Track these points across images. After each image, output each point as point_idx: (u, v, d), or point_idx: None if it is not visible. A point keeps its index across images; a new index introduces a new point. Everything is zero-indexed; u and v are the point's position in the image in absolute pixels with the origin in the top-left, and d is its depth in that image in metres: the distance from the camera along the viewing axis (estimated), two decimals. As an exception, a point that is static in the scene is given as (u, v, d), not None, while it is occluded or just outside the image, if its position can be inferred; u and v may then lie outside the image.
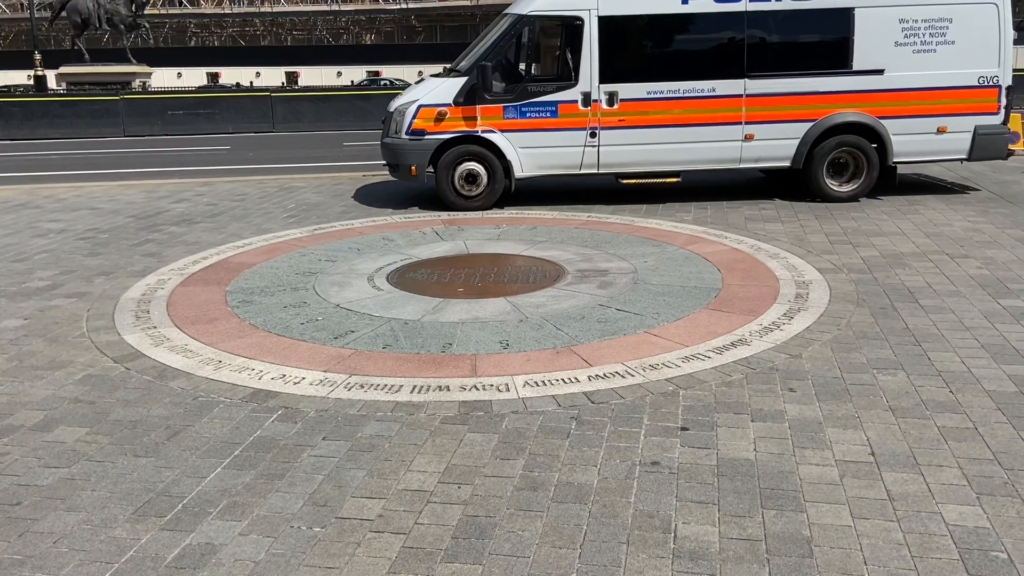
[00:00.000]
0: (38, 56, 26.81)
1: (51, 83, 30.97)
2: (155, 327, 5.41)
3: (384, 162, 9.57)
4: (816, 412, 4.03)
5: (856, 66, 8.84)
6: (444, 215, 8.86)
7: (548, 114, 8.86)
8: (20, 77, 33.13)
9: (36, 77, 24.26)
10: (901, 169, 9.31)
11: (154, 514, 3.25)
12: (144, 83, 31.10)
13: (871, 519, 3.13)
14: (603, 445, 3.75)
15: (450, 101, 8.85)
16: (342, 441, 3.83)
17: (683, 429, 3.89)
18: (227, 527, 3.15)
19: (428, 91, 9.08)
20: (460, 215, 8.85)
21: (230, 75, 57.66)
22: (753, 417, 3.99)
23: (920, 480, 3.40)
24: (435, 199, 9.22)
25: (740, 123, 8.95)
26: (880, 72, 8.85)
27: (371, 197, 10.01)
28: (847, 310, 5.51)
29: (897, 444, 3.70)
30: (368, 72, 57.21)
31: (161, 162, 14.03)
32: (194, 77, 53.28)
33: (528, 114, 8.85)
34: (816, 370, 4.53)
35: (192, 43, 69.49)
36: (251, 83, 50.86)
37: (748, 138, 8.99)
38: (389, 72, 54.68)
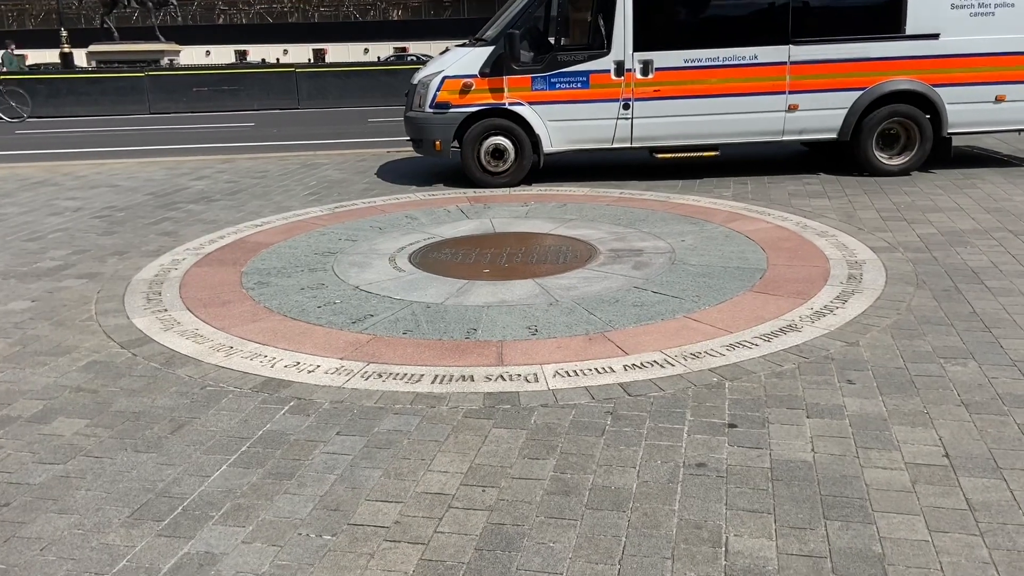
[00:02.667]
0: (64, 33, 26.73)
1: (81, 62, 30.98)
2: (166, 310, 5.14)
3: (408, 137, 9.21)
4: (879, 407, 3.64)
5: (909, 30, 8.28)
6: (470, 192, 8.50)
7: (579, 85, 8.44)
8: (50, 56, 33.15)
9: (63, 55, 24.17)
10: (954, 141, 8.77)
11: (151, 517, 2.96)
12: (172, 60, 31.00)
13: (950, 532, 2.76)
14: (642, 444, 3.39)
15: (476, 72, 8.46)
16: (357, 436, 3.52)
17: (731, 426, 3.52)
18: (229, 534, 2.86)
19: (453, 62, 8.69)
20: (486, 192, 8.48)
21: (258, 52, 57.56)
22: (809, 412, 3.61)
23: (1003, 487, 3.01)
24: (460, 175, 8.86)
25: (784, 92, 8.45)
26: (935, 37, 8.29)
27: (395, 174, 9.68)
28: (906, 292, 5.08)
29: (973, 444, 3.30)
30: (395, 48, 56.82)
31: (185, 139, 13.82)
32: (222, 55, 53.28)
33: (558, 85, 8.43)
34: (876, 359, 4.13)
35: (220, 20, 69.44)
36: (278, 60, 50.66)
37: (792, 108, 8.49)
38: (416, 48, 54.21)
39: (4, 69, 21.61)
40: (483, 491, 3.09)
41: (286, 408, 3.79)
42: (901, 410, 3.61)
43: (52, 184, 9.65)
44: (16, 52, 25.51)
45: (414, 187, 8.84)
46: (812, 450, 3.30)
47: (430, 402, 3.82)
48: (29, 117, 18.33)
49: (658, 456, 3.29)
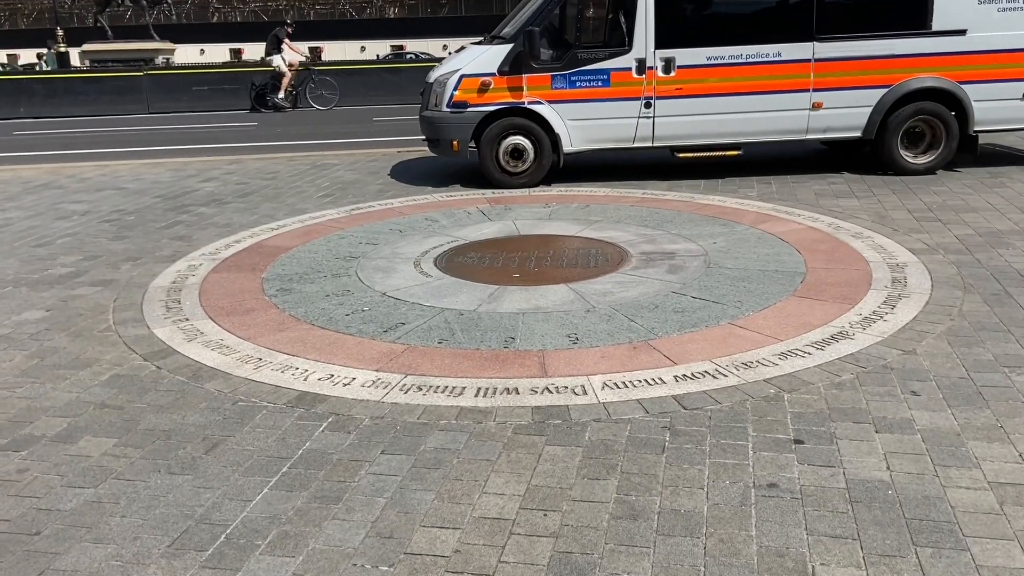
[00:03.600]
0: (60, 32, 26.43)
1: (74, 60, 30.65)
2: (187, 319, 4.94)
3: (423, 137, 9.01)
4: (950, 421, 3.47)
5: (936, 26, 8.11)
6: (488, 193, 8.30)
7: (599, 83, 8.24)
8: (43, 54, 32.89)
9: (59, 54, 23.89)
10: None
11: (193, 547, 2.77)
12: (167, 59, 30.68)
13: (1051, 560, 2.58)
14: (706, 462, 3.21)
15: (494, 70, 8.26)
16: (403, 455, 3.33)
17: (797, 442, 3.34)
18: (279, 565, 2.66)
19: (470, 60, 8.49)
20: (506, 193, 8.29)
21: (253, 51, 57.11)
22: (877, 427, 3.43)
23: (1097, 508, 2.84)
24: (476, 176, 8.67)
25: (808, 90, 8.27)
26: (962, 33, 8.11)
27: (408, 174, 9.48)
28: (955, 297, 4.91)
29: (1057, 461, 3.13)
30: (392, 46, 56.49)
31: (187, 139, 13.59)
32: (217, 53, 52.88)
33: (578, 83, 8.23)
34: (938, 369, 3.96)
35: (215, 19, 69.04)
36: (275, 59, 50.16)
37: (816, 107, 8.31)
38: (413, 46, 53.94)
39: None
40: (545, 515, 2.90)
41: (324, 425, 3.60)
42: (973, 424, 3.44)
43: (57, 187, 9.42)
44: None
45: (430, 188, 8.64)
46: (888, 468, 3.12)
47: (476, 417, 3.63)
48: (29, 117, 18.10)
49: (725, 476, 3.11)
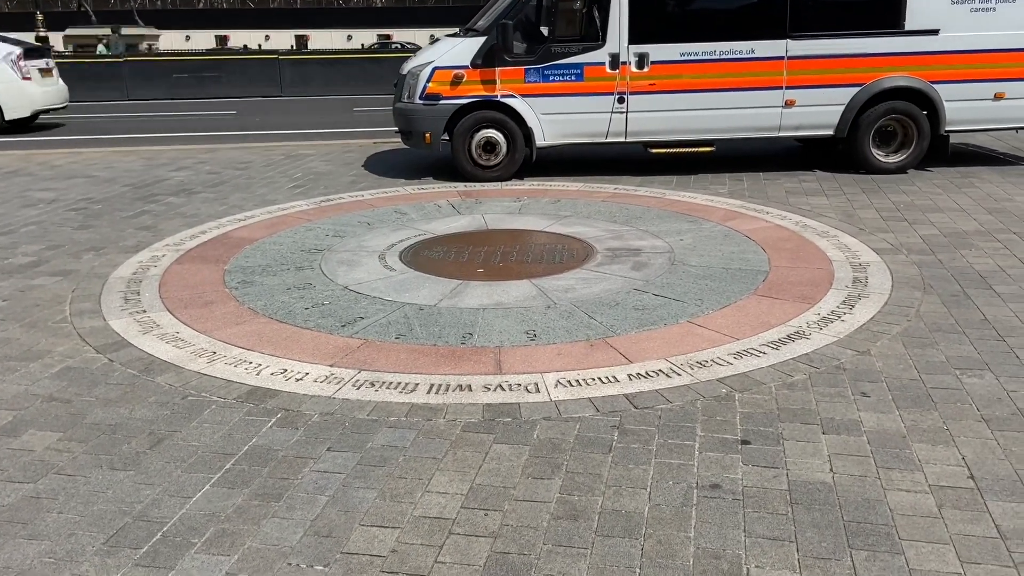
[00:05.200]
0: (40, 16, 26.12)
1: (58, 45, 30.30)
2: (145, 311, 4.89)
3: (396, 129, 8.95)
4: (897, 423, 3.48)
5: (908, 25, 8.13)
6: (460, 186, 8.27)
7: (573, 77, 8.22)
8: (25, 40, 32.57)
9: (38, 39, 23.61)
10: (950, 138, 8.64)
11: (128, 545, 2.74)
12: (151, 45, 30.43)
13: (983, 564, 2.60)
14: (652, 462, 3.21)
15: (467, 63, 8.22)
16: (350, 453, 3.31)
17: (744, 443, 3.35)
18: (213, 563, 2.64)
19: (444, 52, 8.44)
20: (477, 186, 8.26)
21: (239, 38, 56.74)
22: (824, 428, 3.45)
23: (1034, 512, 2.86)
24: (450, 168, 8.63)
25: (781, 88, 8.28)
26: (935, 33, 8.15)
27: (382, 166, 9.43)
28: (914, 298, 4.93)
29: (999, 464, 3.15)
30: (379, 35, 56.24)
31: (164, 127, 13.47)
32: (202, 40, 52.48)
33: (551, 77, 8.21)
34: (890, 370, 3.97)
35: (200, 5, 68.49)
36: (259, 46, 49.99)
37: (789, 104, 8.33)
38: (401, 36, 53.71)
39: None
40: (485, 515, 2.89)
41: (273, 421, 3.57)
42: (920, 426, 3.45)
43: (26, 174, 9.31)
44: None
45: (402, 180, 8.60)
46: (831, 470, 3.14)
47: (426, 414, 3.62)
48: None
49: (669, 476, 3.11)
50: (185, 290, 5.25)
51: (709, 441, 3.36)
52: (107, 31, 30.54)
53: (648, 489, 3.03)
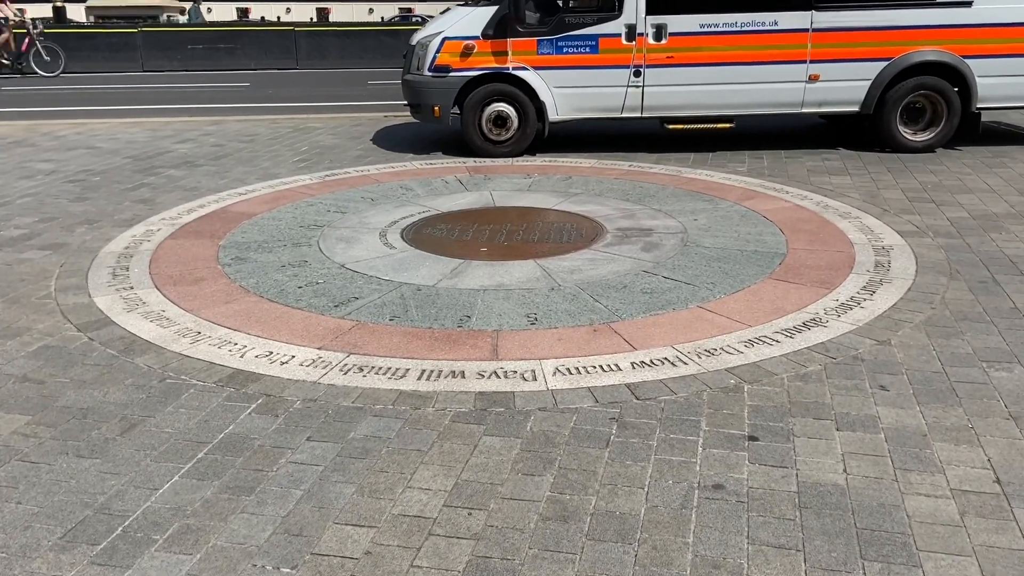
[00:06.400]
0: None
1: (80, 16, 30.21)
2: (132, 288, 4.72)
3: (405, 102, 8.70)
4: (918, 419, 3.24)
5: (940, -3, 7.76)
6: (470, 162, 8.02)
7: (587, 49, 7.92)
8: (43, 10, 32.46)
9: (55, 9, 23.47)
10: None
11: (86, 540, 2.57)
12: (169, 17, 30.25)
13: (1010, 580, 2.37)
14: (651, 459, 2.99)
15: (478, 34, 7.93)
16: (330, 443, 3.12)
17: (751, 439, 3.12)
18: (173, 563, 2.46)
19: (454, 22, 8.16)
20: (487, 162, 8.01)
21: (260, 10, 56.51)
22: (839, 424, 3.21)
23: (1066, 523, 2.62)
24: (460, 143, 8.38)
25: (805, 62, 7.93)
26: (967, 4, 7.75)
27: (391, 140, 9.19)
28: (939, 284, 4.65)
29: (1028, 468, 2.91)
30: (400, 9, 55.75)
31: (175, 98, 13.29)
32: (224, 12, 52.28)
33: (565, 49, 7.91)
34: (911, 362, 3.72)
35: (221, -23, 68.09)
36: (278, 18, 49.71)
37: (813, 79, 7.98)
38: (422, 9, 53.16)
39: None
40: (469, 515, 2.69)
41: (253, 407, 3.39)
42: (942, 423, 3.21)
43: (29, 145, 9.17)
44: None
45: (411, 155, 8.36)
46: (844, 471, 2.90)
47: (415, 402, 3.41)
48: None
49: (670, 475, 2.90)
50: (176, 266, 5.07)
51: (714, 437, 3.14)
52: (126, 2, 30.38)
53: (646, 489, 2.82)
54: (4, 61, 17.57)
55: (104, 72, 18.72)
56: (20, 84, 16.66)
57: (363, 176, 7.44)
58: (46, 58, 17.59)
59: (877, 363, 3.71)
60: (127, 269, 5.02)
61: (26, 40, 17.56)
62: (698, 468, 2.93)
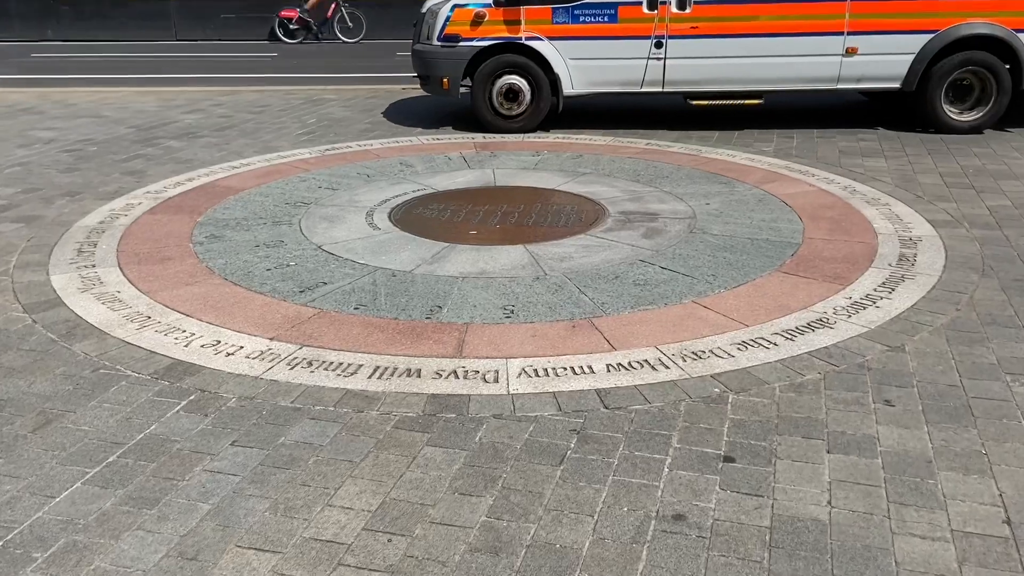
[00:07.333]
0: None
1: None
2: (94, 266, 4.48)
3: (415, 73, 8.32)
4: (924, 442, 2.83)
5: (993, -37, 7.11)
6: (478, 137, 7.64)
7: (606, 18, 7.45)
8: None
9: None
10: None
11: (-37, 554, 2.32)
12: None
13: (1010, 653, 1.98)
14: (608, 480, 2.64)
15: (490, 1, 7.51)
16: (255, 449, 2.82)
17: (727, 460, 2.75)
18: (49, 586, 2.20)
19: (466, -12, 7.74)
20: (497, 138, 7.62)
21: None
22: (830, 445, 2.81)
23: (1087, 580, 2.21)
24: (472, 118, 7.98)
25: (841, 33, 7.35)
26: (1023, -28, 7.11)
27: (403, 114, 8.85)
28: (968, 281, 4.18)
29: (1047, 509, 2.49)
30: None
31: (200, 68, 13.09)
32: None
33: (582, 18, 7.45)
34: (925, 372, 3.29)
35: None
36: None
37: (850, 52, 7.40)
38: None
39: None
40: (389, 541, 2.37)
41: (183, 404, 3.11)
42: (952, 448, 2.79)
43: (37, 112, 9.02)
44: None
45: (419, 129, 8.01)
46: (828, 503, 2.52)
47: (359, 404, 3.10)
48: (57, 40, 17.83)
49: (625, 501, 2.54)
50: (146, 243, 4.82)
51: (684, 456, 2.77)
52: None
53: (595, 517, 2.47)
54: (313, 26, 17.81)
55: (137, 40, 18.65)
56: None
57: (364, 151, 7.11)
58: (349, 24, 17.83)
59: (885, 373, 3.29)
60: (95, 246, 4.78)
61: (332, 6, 17.81)
62: (659, 494, 2.57)
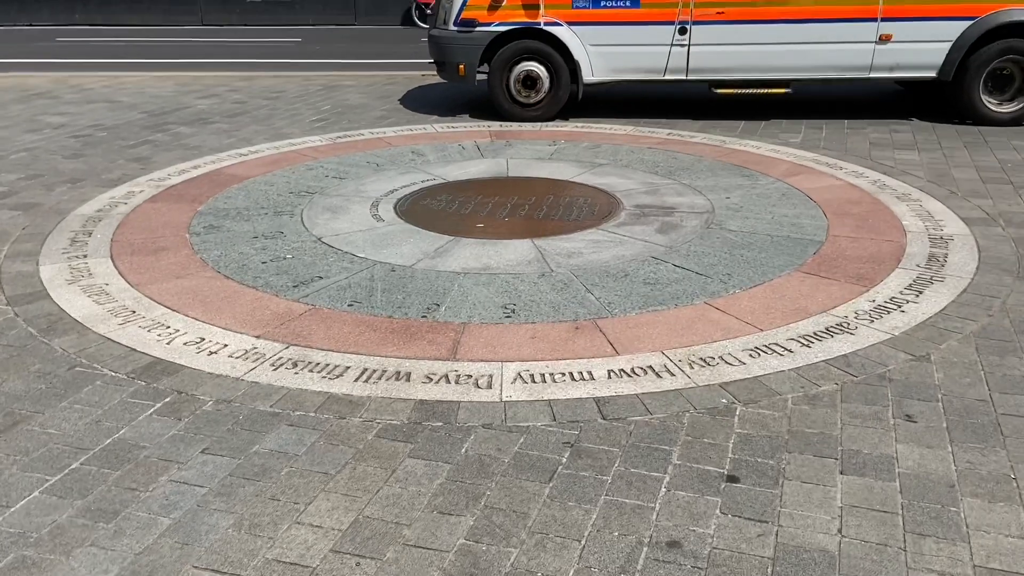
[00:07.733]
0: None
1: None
2: (85, 256, 4.35)
3: (431, 60, 8.12)
4: (947, 463, 2.59)
5: (1037, -55, 6.73)
6: (495, 126, 7.43)
7: (628, 3, 7.18)
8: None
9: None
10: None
11: (-92, 568, 2.18)
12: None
13: None
14: (599, 500, 2.44)
15: (508, -15, 7.28)
16: (227, 458, 2.66)
17: (730, 479, 2.53)
18: (-9, 606, 2.05)
19: (484, -29, 7.51)
20: (513, 127, 7.40)
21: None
22: (844, 466, 2.59)
23: None
24: (490, 106, 7.77)
25: (875, 19, 7.02)
26: (1070, -45, 6.72)
27: (419, 101, 8.66)
28: (1002, 285, 3.90)
29: (1083, 545, 2.24)
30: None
31: (223, 53, 13.02)
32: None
33: (603, 3, 7.19)
34: (951, 384, 3.04)
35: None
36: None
37: (884, 39, 7.06)
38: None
39: None
40: (357, 565, 2.20)
41: (157, 406, 2.95)
42: (978, 471, 2.55)
43: (51, 97, 8.96)
44: None
45: (435, 117, 7.82)
46: (839, 532, 2.30)
47: (341, 409, 2.93)
48: (84, 24, 17.87)
49: (617, 524, 2.34)
50: (142, 233, 4.68)
51: (684, 474, 2.56)
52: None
53: (582, 542, 2.27)
54: (428, 12, 17.93)
55: (163, 26, 18.68)
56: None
57: (376, 139, 6.93)
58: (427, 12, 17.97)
59: (908, 385, 3.04)
60: (89, 235, 4.66)
61: None
62: (654, 517, 2.37)
